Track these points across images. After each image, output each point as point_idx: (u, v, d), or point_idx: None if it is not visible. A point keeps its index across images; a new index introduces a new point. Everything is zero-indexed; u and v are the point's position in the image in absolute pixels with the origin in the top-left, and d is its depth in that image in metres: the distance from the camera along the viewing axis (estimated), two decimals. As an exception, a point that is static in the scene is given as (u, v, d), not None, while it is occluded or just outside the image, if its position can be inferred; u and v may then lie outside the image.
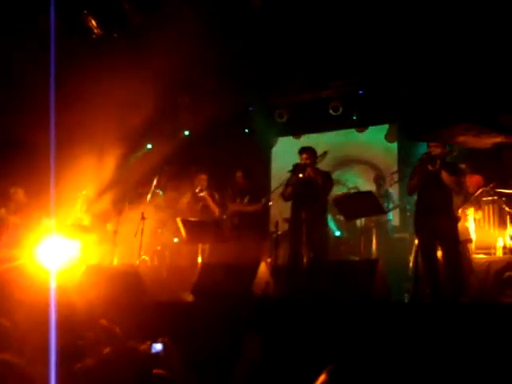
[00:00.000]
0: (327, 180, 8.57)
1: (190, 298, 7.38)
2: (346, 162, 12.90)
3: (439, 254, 7.58)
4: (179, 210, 9.96)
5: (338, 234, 10.78)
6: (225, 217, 9.54)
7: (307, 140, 12.86)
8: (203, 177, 9.91)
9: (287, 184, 8.59)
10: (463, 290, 7.27)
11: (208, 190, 9.83)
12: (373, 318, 5.74)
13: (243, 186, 9.74)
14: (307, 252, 8.06)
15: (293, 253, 8.36)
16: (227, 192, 9.80)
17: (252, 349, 5.28)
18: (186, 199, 9.96)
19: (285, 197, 8.68)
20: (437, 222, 7.40)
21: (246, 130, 13.30)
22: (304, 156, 8.52)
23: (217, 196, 9.91)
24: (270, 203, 9.68)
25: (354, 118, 12.24)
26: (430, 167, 7.44)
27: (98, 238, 9.59)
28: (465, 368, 4.87)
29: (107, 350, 3.29)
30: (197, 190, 9.79)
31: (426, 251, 7.45)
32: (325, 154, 8.63)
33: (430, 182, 7.51)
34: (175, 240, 10.22)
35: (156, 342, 4.54)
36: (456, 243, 7.52)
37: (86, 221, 9.80)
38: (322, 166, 8.91)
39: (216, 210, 9.71)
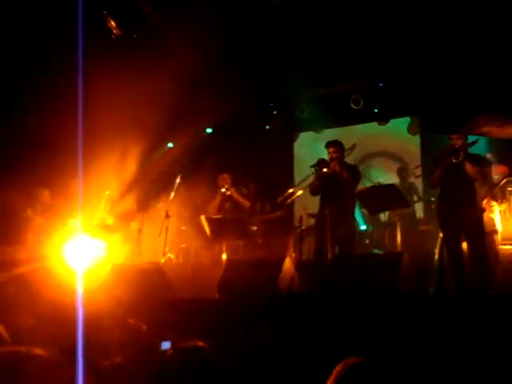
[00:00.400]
0: (354, 173, 8.48)
1: (215, 295, 7.39)
2: (370, 156, 12.84)
3: (464, 246, 7.53)
4: (210, 213, 9.94)
5: (363, 227, 10.75)
6: (255, 228, 9.49)
7: (330, 134, 12.90)
8: (225, 176, 9.90)
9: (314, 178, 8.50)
10: (490, 281, 7.20)
11: (233, 187, 9.81)
12: (398, 311, 5.72)
13: (261, 192, 9.71)
14: (332, 246, 8.01)
15: (318, 247, 8.30)
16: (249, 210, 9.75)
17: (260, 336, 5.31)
18: (216, 203, 9.93)
19: (312, 191, 8.60)
20: (461, 214, 7.35)
21: (267, 127, 13.29)
22: (331, 150, 8.46)
23: (244, 189, 9.89)
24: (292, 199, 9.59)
25: (376, 110, 12.16)
26: (453, 159, 7.38)
27: (122, 237, 9.63)
28: (491, 361, 4.84)
29: (134, 348, 3.31)
30: (223, 190, 9.78)
31: (450, 244, 7.40)
32: (353, 146, 8.51)
33: (453, 175, 7.45)
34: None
35: (165, 339, 4.57)
36: (481, 235, 7.47)
37: (110, 220, 9.85)
38: (349, 159, 8.81)
39: (245, 203, 9.67)
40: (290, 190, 8.81)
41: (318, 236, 8.36)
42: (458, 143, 7.48)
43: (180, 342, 3.31)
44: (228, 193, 9.72)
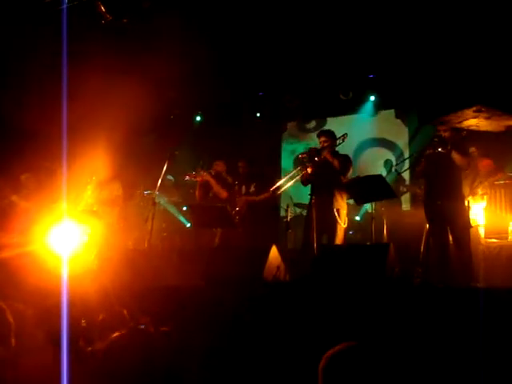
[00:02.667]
0: (345, 163, 8.44)
1: (199, 282, 7.37)
2: (361, 146, 12.87)
3: (450, 238, 7.55)
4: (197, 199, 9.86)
5: (358, 218, 10.74)
6: (237, 209, 9.39)
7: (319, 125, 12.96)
8: (219, 163, 9.81)
9: (304, 167, 8.44)
10: (475, 274, 7.22)
11: (211, 172, 9.73)
12: (385, 301, 5.72)
13: (248, 174, 9.59)
14: (318, 237, 7.98)
15: (304, 238, 8.29)
16: (234, 190, 9.60)
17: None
18: (200, 189, 9.84)
19: (303, 181, 8.57)
20: (447, 206, 7.36)
21: (258, 115, 13.29)
22: (322, 139, 8.47)
23: (229, 178, 9.80)
24: (281, 191, 9.53)
25: (371, 100, 12.19)
26: (440, 149, 7.37)
27: (108, 223, 9.58)
28: (474, 352, 4.85)
29: (117, 333, 3.29)
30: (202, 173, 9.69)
31: (437, 236, 7.42)
32: (345, 135, 8.47)
33: (439, 166, 7.46)
34: (188, 225, 10.19)
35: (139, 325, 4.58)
36: (467, 227, 7.48)
37: (95, 206, 9.79)
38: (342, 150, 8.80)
39: (221, 192, 9.56)
40: (281, 181, 8.72)
41: (306, 226, 8.33)
42: (445, 134, 7.48)
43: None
44: (205, 177, 9.59)
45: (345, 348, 2.72)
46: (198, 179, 9.65)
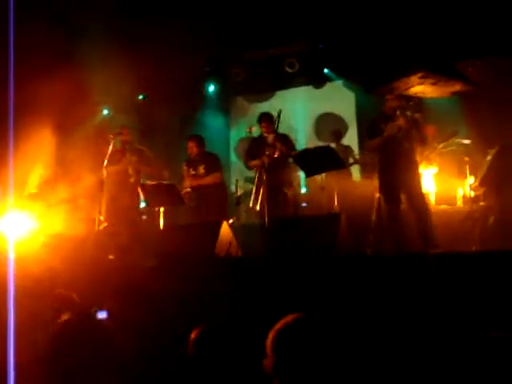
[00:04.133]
0: (287, 142, 8.58)
1: (151, 262, 7.28)
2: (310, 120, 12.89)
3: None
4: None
5: (303, 190, 10.76)
6: (188, 189, 9.26)
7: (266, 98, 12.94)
8: (191, 143, 9.43)
9: (252, 156, 8.58)
10: (434, 240, 7.24)
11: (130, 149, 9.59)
12: (337, 272, 5.72)
13: (197, 155, 9.42)
14: (269, 211, 7.98)
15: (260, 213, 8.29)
16: (182, 167, 9.45)
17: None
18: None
19: (250, 167, 8.71)
20: (404, 175, 7.36)
21: (212, 89, 13.21)
22: (263, 125, 8.62)
23: (147, 152, 9.68)
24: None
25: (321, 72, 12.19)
26: (395, 130, 7.34)
27: (51, 205, 9.39)
28: (431, 321, 4.89)
29: (65, 317, 3.22)
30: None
31: (391, 205, 7.43)
32: (279, 113, 8.42)
33: (395, 140, 7.43)
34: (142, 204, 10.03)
35: (101, 309, 4.52)
36: (423, 195, 7.51)
37: (35, 189, 9.58)
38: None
39: (145, 168, 9.53)
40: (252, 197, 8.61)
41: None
42: (393, 104, 7.46)
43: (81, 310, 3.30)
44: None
45: (292, 320, 2.75)
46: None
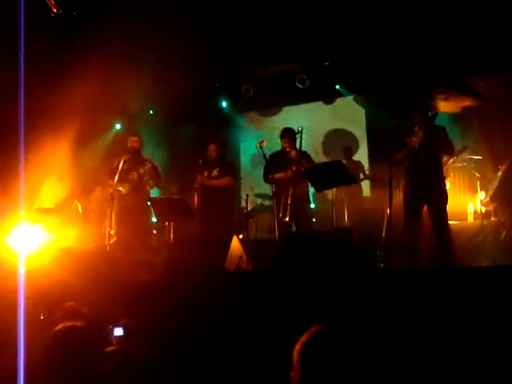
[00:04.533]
0: (310, 159, 8.83)
1: (161, 277, 7.28)
2: (321, 137, 12.90)
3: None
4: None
5: (313, 206, 10.76)
6: (197, 185, 9.30)
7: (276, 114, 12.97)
8: (213, 147, 9.60)
9: (273, 169, 8.66)
10: (450, 254, 7.20)
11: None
12: (347, 287, 5.70)
13: (215, 159, 9.50)
14: (280, 225, 8.06)
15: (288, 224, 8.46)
16: (197, 164, 9.50)
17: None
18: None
19: (270, 181, 8.74)
20: (429, 186, 7.32)
21: (224, 105, 13.26)
22: (285, 140, 8.75)
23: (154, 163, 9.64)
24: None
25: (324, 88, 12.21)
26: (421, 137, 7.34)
27: (66, 220, 9.44)
28: (440, 334, 4.87)
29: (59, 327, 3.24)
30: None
31: (411, 219, 7.39)
32: (301, 131, 8.55)
33: (422, 152, 7.41)
34: (153, 220, 10.04)
35: (118, 325, 4.50)
36: (446, 210, 7.46)
37: (50, 204, 9.63)
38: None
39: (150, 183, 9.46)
40: None
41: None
42: (416, 119, 7.47)
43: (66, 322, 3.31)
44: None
45: (317, 332, 2.75)
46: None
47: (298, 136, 8.57)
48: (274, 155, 8.89)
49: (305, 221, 8.70)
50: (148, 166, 9.33)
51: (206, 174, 9.29)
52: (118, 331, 4.64)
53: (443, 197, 7.39)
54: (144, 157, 9.62)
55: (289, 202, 8.20)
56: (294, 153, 8.57)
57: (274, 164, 8.71)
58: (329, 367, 2.65)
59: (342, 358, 2.67)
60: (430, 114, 7.66)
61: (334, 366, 2.65)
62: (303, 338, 2.74)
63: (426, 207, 7.41)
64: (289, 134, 8.74)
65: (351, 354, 2.67)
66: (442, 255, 7.19)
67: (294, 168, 8.44)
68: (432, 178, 7.36)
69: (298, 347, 2.73)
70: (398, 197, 9.08)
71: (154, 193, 10.11)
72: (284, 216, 8.22)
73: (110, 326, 4.77)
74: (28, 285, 4.60)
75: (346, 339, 2.71)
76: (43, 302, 5.73)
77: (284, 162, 8.56)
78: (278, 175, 8.62)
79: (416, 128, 7.42)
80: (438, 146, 7.43)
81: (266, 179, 8.78)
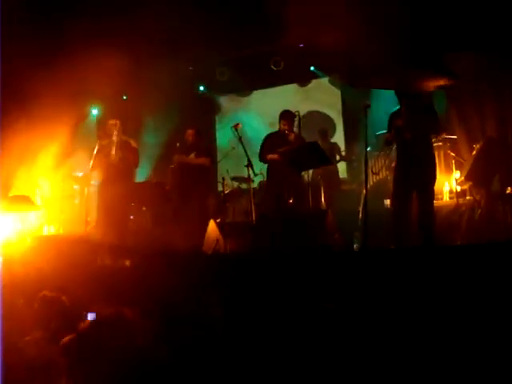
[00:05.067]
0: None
1: (138, 261, 7.28)
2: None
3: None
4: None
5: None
6: (172, 166, 9.30)
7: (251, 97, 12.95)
8: (190, 132, 9.55)
9: (270, 149, 8.60)
10: (433, 236, 7.24)
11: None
12: (324, 269, 5.72)
13: (192, 143, 9.48)
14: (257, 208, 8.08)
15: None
16: (175, 147, 9.47)
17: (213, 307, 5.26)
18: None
19: (266, 160, 8.75)
20: (417, 170, 7.32)
21: (202, 88, 13.24)
22: (284, 122, 8.70)
23: (132, 142, 9.42)
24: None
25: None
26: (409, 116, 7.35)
27: (39, 207, 9.38)
28: (416, 315, 4.91)
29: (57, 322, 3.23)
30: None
31: (399, 202, 7.40)
32: (298, 114, 8.68)
33: (411, 133, 7.41)
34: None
35: (89, 312, 4.53)
36: (433, 192, 7.49)
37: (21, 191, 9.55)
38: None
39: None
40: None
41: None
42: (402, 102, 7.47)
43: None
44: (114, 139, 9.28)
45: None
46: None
47: (296, 120, 8.61)
48: (273, 135, 8.86)
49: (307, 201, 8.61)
50: (125, 146, 9.25)
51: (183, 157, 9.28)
52: (91, 317, 4.68)
53: (431, 178, 7.41)
54: (123, 138, 9.48)
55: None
56: (292, 136, 8.58)
57: (272, 143, 8.68)
58: None
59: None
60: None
61: None
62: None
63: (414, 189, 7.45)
64: (288, 117, 8.71)
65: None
66: (423, 235, 7.24)
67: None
68: (420, 158, 7.36)
69: None
70: (375, 178, 9.18)
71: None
72: (289, 197, 8.28)
73: (84, 313, 4.79)
74: (4, 273, 4.58)
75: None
76: (20, 290, 5.71)
77: (282, 145, 8.50)
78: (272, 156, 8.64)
79: (403, 109, 7.43)
80: (424, 125, 7.42)
81: (263, 158, 8.77)
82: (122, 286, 6.20)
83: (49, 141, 10.11)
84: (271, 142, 8.70)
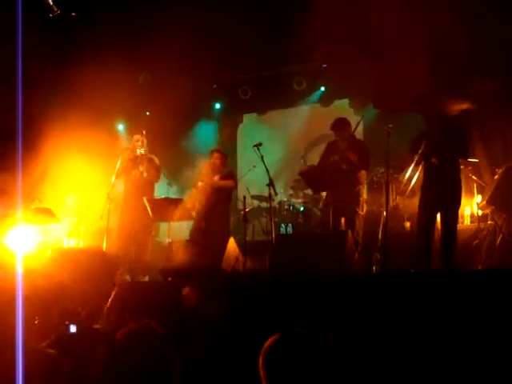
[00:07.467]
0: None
1: (159, 277, 7.30)
2: (316, 141, 12.87)
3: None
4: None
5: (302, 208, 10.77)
6: (197, 185, 9.34)
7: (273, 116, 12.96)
8: (216, 155, 9.59)
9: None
10: (452, 258, 7.21)
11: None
12: (342, 289, 5.71)
13: (217, 167, 9.49)
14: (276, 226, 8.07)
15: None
16: (204, 167, 9.50)
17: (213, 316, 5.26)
18: None
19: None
20: (444, 194, 7.30)
21: (217, 107, 13.26)
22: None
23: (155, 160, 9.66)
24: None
25: (321, 90, 12.20)
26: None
27: (62, 220, 9.43)
28: (433, 339, 4.87)
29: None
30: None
31: (427, 224, 7.37)
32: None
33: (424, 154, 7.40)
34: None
35: (71, 323, 4.56)
36: (457, 215, 7.49)
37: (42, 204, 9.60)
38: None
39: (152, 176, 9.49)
40: None
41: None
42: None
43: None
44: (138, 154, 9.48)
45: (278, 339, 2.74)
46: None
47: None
48: (330, 144, 8.91)
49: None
50: (148, 162, 9.38)
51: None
52: (72, 328, 4.73)
53: (457, 199, 7.40)
54: (147, 155, 9.58)
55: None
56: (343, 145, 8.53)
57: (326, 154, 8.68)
58: (293, 372, 2.62)
59: (309, 362, 2.65)
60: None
61: (299, 372, 2.62)
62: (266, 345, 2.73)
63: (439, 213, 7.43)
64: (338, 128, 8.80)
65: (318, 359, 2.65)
66: (444, 256, 7.20)
67: (331, 159, 8.46)
68: (448, 180, 7.35)
69: (261, 354, 2.72)
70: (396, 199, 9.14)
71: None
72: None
73: (66, 323, 4.84)
74: (24, 285, 4.60)
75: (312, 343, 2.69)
76: (39, 302, 5.73)
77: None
78: None
79: (430, 132, 7.42)
80: (452, 148, 7.40)
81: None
82: (140, 301, 6.22)
83: (78, 155, 10.18)
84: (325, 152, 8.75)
